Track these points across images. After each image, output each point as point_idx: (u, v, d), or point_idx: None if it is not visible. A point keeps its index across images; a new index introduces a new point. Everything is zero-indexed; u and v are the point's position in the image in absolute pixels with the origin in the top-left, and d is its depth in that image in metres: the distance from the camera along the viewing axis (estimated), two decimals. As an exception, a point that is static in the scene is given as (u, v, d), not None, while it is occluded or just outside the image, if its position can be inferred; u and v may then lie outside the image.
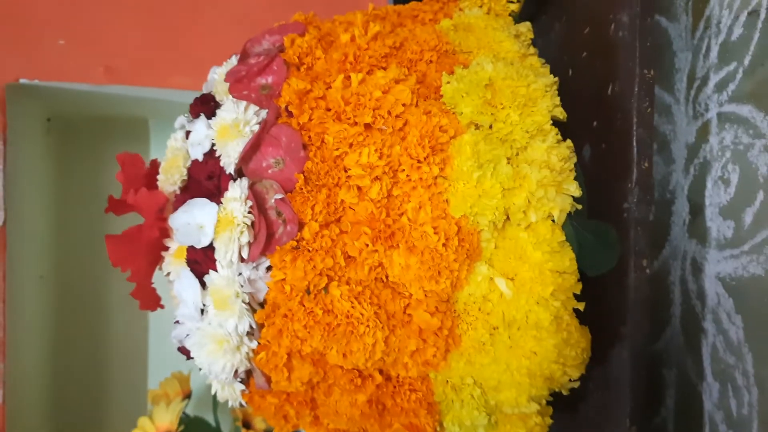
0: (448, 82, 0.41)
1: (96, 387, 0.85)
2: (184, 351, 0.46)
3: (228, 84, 0.44)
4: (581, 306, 0.39)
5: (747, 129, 0.41)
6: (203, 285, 0.43)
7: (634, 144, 0.41)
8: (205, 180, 0.44)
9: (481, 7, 0.51)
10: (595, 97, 0.45)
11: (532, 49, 0.46)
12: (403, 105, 0.40)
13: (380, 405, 0.41)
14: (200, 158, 0.44)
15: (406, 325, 0.39)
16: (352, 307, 0.38)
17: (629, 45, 0.42)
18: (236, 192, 0.41)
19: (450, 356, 0.39)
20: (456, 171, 0.39)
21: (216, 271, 0.41)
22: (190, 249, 0.43)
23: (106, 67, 0.70)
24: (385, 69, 0.42)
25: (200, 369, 0.43)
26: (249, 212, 0.41)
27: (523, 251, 0.38)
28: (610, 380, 0.43)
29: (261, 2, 0.73)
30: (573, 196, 0.40)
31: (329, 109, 0.41)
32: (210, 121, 0.45)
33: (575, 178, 0.40)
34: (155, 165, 0.50)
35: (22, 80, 0.69)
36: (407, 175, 0.39)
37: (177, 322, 0.45)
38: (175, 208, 0.45)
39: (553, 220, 0.39)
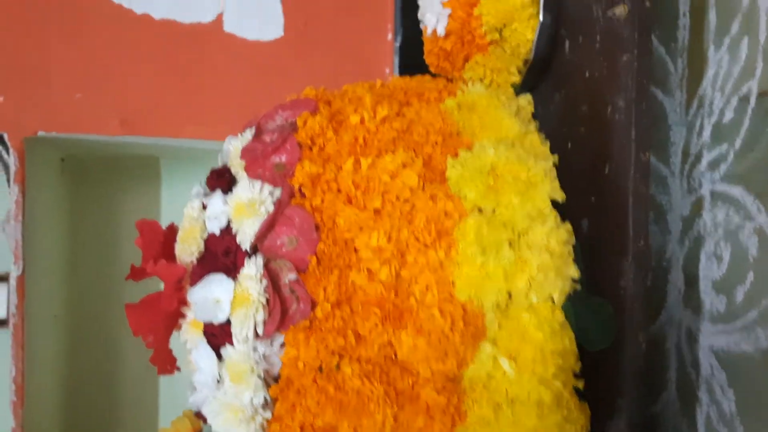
0: (453, 167, 0.43)
1: (108, 425, 0.87)
2: (201, 416, 0.48)
3: (244, 161, 0.47)
4: (581, 384, 0.41)
5: (738, 210, 0.43)
6: (219, 356, 0.45)
7: (631, 224, 0.43)
8: (222, 255, 0.46)
9: (483, 79, 0.53)
10: (593, 174, 0.47)
11: (532, 126, 0.48)
12: (411, 189, 0.42)
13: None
14: (217, 232, 0.47)
15: (414, 402, 0.41)
16: (363, 384, 0.40)
17: (625, 128, 0.44)
18: (252, 270, 0.43)
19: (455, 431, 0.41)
20: (461, 255, 0.41)
21: (232, 345, 0.44)
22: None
23: (121, 120, 0.73)
24: (393, 152, 0.44)
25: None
26: (264, 291, 0.43)
27: (525, 331, 0.40)
28: (608, 448, 0.45)
29: (273, 53, 0.75)
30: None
31: (340, 191, 0.43)
32: (226, 196, 0.47)
33: (574, 256, 0.43)
34: (172, 230, 0.52)
35: (40, 132, 0.71)
36: (414, 258, 0.41)
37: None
38: (193, 279, 0.47)
39: (553, 301, 0.41)
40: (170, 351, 0.51)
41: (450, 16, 0.52)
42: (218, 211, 0.47)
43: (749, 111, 0.42)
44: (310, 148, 0.46)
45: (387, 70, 0.78)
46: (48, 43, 0.72)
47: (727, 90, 0.45)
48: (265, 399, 0.43)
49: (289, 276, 0.43)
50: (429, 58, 0.57)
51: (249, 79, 0.75)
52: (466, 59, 0.54)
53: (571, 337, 0.41)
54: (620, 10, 0.44)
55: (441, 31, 0.53)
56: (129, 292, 0.89)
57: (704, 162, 0.46)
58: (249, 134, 0.50)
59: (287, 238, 0.44)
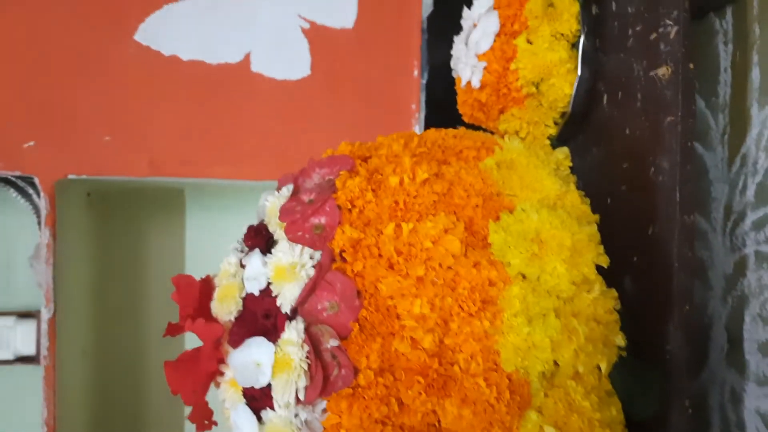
0: (496, 232, 0.43)
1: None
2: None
3: (283, 223, 0.46)
4: (628, 454, 0.41)
5: (785, 273, 0.42)
6: (259, 418, 0.45)
7: (675, 288, 0.43)
8: (262, 318, 0.46)
9: (519, 132, 0.53)
10: (635, 233, 0.47)
11: (572, 183, 0.47)
12: (453, 256, 0.42)
13: None
14: (256, 293, 0.46)
15: (458, 472, 0.40)
16: (407, 454, 0.40)
17: (669, 191, 0.43)
18: (293, 335, 0.43)
19: (501, 502, 0.41)
20: (506, 324, 0.40)
21: (273, 409, 0.43)
22: (248, 386, 0.45)
23: (149, 161, 0.73)
24: (434, 215, 0.44)
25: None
26: (306, 356, 0.43)
27: (572, 400, 0.40)
28: None
29: (300, 92, 0.75)
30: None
31: (381, 256, 0.43)
32: (265, 257, 0.47)
33: (617, 319, 0.42)
34: (208, 284, 0.52)
35: (70, 175, 0.72)
36: (459, 327, 0.41)
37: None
38: (232, 339, 0.47)
39: (599, 369, 0.41)
40: (207, 405, 0.51)
41: (485, 69, 0.52)
42: (257, 272, 0.47)
43: (796, 173, 0.42)
44: (350, 211, 0.45)
45: (413, 106, 0.78)
46: (76, 85, 0.72)
47: (771, 150, 0.44)
48: (308, 466, 0.43)
49: (330, 342, 0.43)
50: (463, 108, 0.57)
51: (277, 119, 0.75)
52: (502, 111, 0.53)
53: (618, 406, 0.40)
54: (663, 71, 0.44)
55: (476, 83, 0.53)
56: (156, 323, 0.90)
57: (748, 221, 0.46)
58: (286, 192, 0.50)
59: (328, 303, 0.44)
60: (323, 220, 0.47)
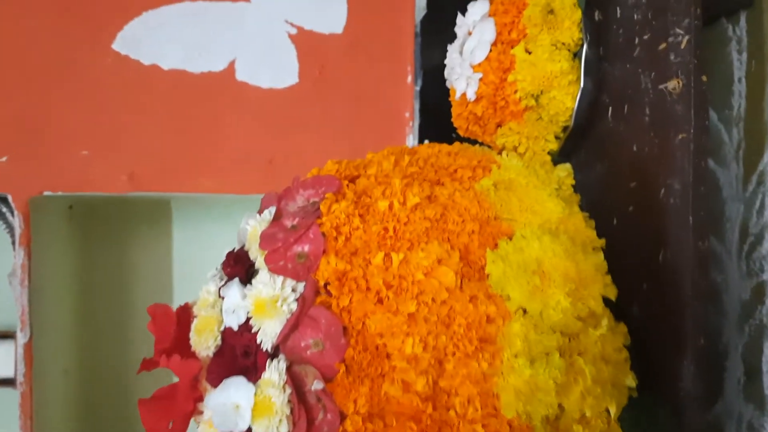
0: (494, 262, 0.39)
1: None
2: None
3: (264, 251, 0.43)
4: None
5: (809, 304, 0.39)
6: (241, 463, 0.42)
7: (689, 320, 0.39)
8: (241, 356, 0.42)
9: (517, 147, 0.50)
10: (644, 259, 0.43)
11: (575, 205, 0.44)
12: (447, 289, 0.39)
13: None
14: (235, 327, 0.43)
15: None
16: (399, 507, 0.37)
17: (682, 214, 0.40)
18: (275, 376, 0.40)
19: None
20: (506, 365, 0.37)
21: (254, 455, 0.40)
22: (227, 429, 0.41)
23: (130, 176, 0.70)
24: (426, 243, 0.40)
25: None
26: (288, 400, 0.39)
27: (578, 447, 0.37)
28: None
29: (287, 101, 0.72)
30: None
31: (369, 289, 0.40)
32: (245, 288, 0.43)
33: (627, 357, 0.39)
34: (186, 312, 0.48)
35: (46, 192, 0.68)
36: (454, 368, 0.37)
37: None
38: (209, 376, 0.44)
39: (608, 413, 0.37)
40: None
41: (481, 80, 0.48)
42: (236, 304, 0.43)
43: (820, 195, 0.38)
44: (335, 238, 0.42)
45: (407, 115, 0.74)
46: (51, 97, 0.68)
47: (792, 168, 0.41)
48: None
49: (315, 384, 0.39)
50: (458, 122, 0.54)
51: (263, 130, 0.72)
52: (499, 125, 0.50)
53: (629, 453, 0.37)
54: (674, 84, 0.40)
55: (471, 95, 0.49)
56: (142, 340, 0.87)
57: (766, 245, 0.42)
58: (268, 215, 0.46)
59: (312, 340, 0.40)
60: (307, 248, 0.43)
